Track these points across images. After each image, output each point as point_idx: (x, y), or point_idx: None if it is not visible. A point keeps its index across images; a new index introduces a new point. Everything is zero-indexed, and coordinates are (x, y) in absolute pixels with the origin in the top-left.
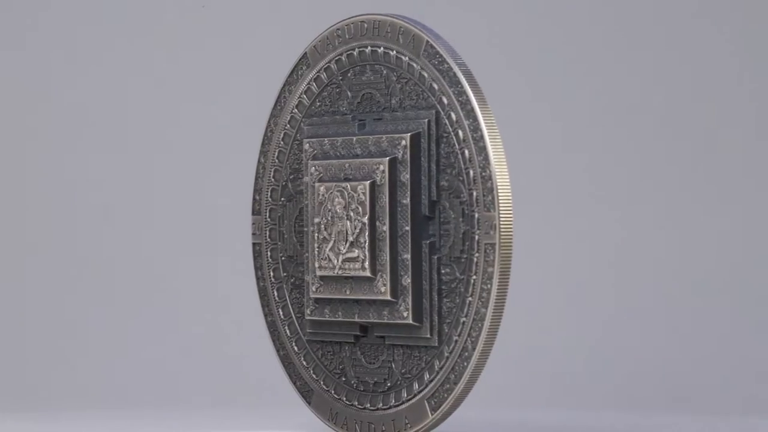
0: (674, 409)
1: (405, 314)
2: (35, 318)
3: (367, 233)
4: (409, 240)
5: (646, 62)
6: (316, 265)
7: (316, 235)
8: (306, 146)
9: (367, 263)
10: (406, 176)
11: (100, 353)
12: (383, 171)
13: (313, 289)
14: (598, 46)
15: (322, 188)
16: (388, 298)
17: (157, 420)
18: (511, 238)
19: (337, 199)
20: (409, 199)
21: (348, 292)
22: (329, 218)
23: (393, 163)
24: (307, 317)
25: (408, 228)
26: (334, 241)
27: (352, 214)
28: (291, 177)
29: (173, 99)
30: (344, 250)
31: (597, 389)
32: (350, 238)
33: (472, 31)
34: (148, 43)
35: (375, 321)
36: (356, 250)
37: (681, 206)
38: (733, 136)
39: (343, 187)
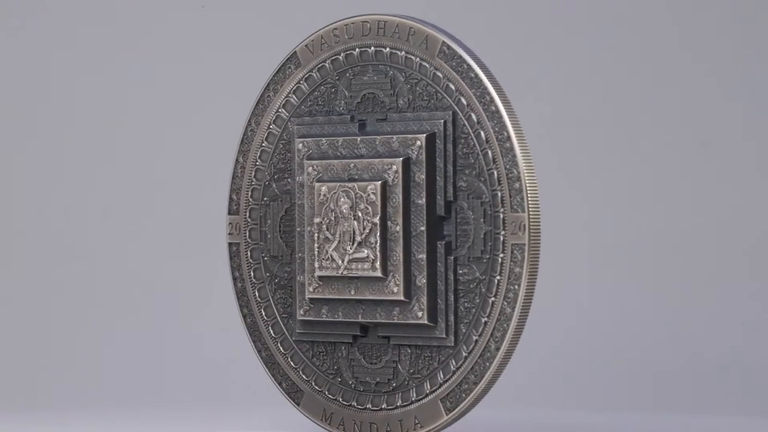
0: (681, 410)
1: (420, 314)
2: (14, 320)
3: (378, 233)
4: (425, 240)
5: (670, 56)
6: (316, 265)
7: (317, 235)
8: (299, 146)
9: (378, 263)
10: (421, 176)
11: (83, 355)
12: (396, 171)
13: (311, 290)
14: (617, 40)
15: (323, 188)
16: (401, 298)
17: (145, 420)
18: (539, 239)
19: (342, 199)
20: (424, 200)
21: (353, 293)
22: (332, 218)
23: (407, 164)
24: (300, 318)
25: (423, 228)
26: (339, 241)
27: (360, 214)
28: (275, 177)
29: (157, 97)
30: (351, 251)
31: (612, 390)
32: (358, 238)
33: (469, 30)
34: (136, 40)
35: (383, 321)
36: (365, 251)
37: (709, 207)
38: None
39: (350, 188)
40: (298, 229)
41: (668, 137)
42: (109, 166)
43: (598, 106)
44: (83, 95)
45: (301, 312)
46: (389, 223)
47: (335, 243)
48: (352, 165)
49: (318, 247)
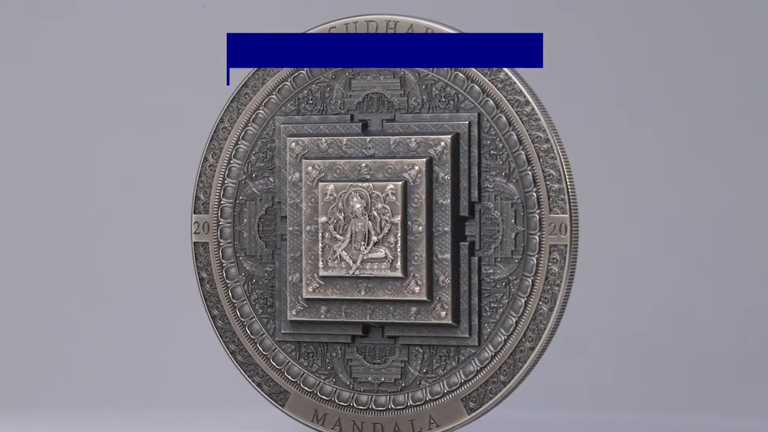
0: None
1: (443, 314)
2: None
3: (399, 233)
4: (450, 240)
5: (695, 53)
6: (320, 265)
7: (321, 234)
8: (292, 144)
9: (398, 263)
10: (445, 177)
11: (51, 358)
12: (419, 171)
13: (309, 290)
14: (641, 36)
15: (330, 187)
16: (423, 298)
17: (119, 425)
18: (577, 239)
19: (355, 199)
20: (448, 200)
21: (363, 293)
22: (341, 218)
23: (429, 164)
24: (292, 318)
25: (447, 228)
26: (350, 241)
27: (376, 214)
28: (253, 175)
29: (128, 93)
30: (366, 251)
31: (627, 390)
32: (374, 238)
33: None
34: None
35: (399, 321)
36: (383, 250)
37: (748, 210)
38: None
39: (364, 187)
40: (290, 229)
41: (697, 132)
42: (69, 163)
43: (619, 103)
44: (57, 88)
45: (294, 313)
46: (409, 223)
47: (345, 243)
48: (363, 165)
49: (323, 247)
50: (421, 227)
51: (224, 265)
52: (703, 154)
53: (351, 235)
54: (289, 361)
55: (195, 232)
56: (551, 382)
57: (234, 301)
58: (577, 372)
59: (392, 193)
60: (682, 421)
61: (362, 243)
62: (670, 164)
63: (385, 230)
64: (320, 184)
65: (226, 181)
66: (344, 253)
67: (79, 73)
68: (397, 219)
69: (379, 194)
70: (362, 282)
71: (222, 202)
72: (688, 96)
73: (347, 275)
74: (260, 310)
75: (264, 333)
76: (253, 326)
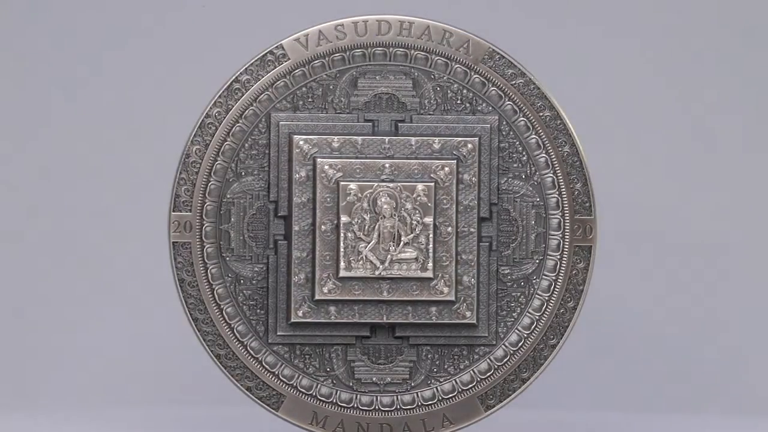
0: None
1: (468, 314)
2: None
3: (430, 234)
4: (476, 241)
5: (718, 51)
6: (342, 265)
7: (343, 234)
8: (300, 142)
9: (429, 264)
10: (471, 179)
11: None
12: (450, 172)
13: (325, 291)
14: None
15: (353, 187)
16: (452, 298)
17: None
18: (597, 241)
19: (383, 199)
20: (474, 202)
21: (385, 294)
22: (366, 218)
23: (458, 165)
24: (298, 320)
25: (473, 229)
26: (377, 241)
27: (405, 214)
28: (241, 173)
29: (126, 86)
30: (396, 251)
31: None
32: (404, 239)
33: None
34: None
35: (418, 322)
36: (414, 251)
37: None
38: None
39: (392, 188)
40: (296, 228)
41: (721, 130)
42: (46, 157)
43: (632, 104)
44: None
45: (300, 314)
46: (438, 223)
47: (371, 243)
48: (386, 165)
49: (345, 248)
50: (450, 228)
51: (208, 265)
52: (726, 153)
53: (379, 236)
54: (282, 363)
55: (175, 231)
56: (558, 382)
57: (219, 301)
58: (583, 372)
59: (424, 193)
60: (683, 420)
61: (391, 243)
62: (691, 164)
63: (417, 231)
64: (341, 183)
65: (211, 179)
66: (370, 254)
67: (73, 68)
68: (429, 220)
69: (409, 195)
70: (385, 282)
71: (206, 200)
72: (710, 94)
73: (372, 276)
74: (248, 312)
75: (254, 334)
76: (241, 327)
